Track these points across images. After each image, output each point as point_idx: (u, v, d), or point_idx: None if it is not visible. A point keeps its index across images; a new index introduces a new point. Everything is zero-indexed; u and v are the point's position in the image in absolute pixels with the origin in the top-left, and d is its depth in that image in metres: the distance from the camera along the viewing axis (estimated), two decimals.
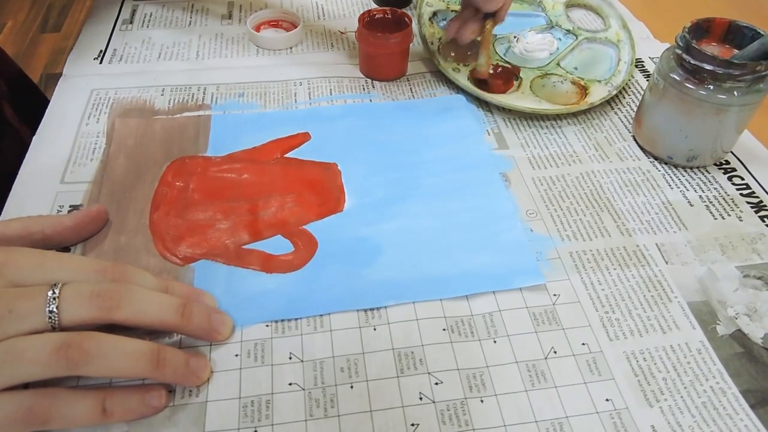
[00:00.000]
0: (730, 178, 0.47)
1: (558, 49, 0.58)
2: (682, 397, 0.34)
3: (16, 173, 0.45)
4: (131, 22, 0.63)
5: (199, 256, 0.40)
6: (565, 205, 0.45)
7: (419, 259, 0.40)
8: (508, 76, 0.55)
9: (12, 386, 0.30)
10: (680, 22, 0.46)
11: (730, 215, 0.44)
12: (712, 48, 0.46)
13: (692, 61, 0.43)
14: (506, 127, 0.51)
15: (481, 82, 0.54)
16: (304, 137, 0.49)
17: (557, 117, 0.52)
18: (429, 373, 0.35)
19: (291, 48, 0.60)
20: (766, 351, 0.36)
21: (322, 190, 0.45)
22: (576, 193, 0.46)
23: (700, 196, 0.46)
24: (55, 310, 0.31)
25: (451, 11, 0.62)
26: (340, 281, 0.39)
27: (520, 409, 0.33)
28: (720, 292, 0.39)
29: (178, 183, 0.45)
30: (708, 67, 0.42)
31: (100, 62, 0.57)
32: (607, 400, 0.34)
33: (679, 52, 0.44)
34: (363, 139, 0.49)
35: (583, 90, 0.53)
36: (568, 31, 0.60)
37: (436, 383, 0.34)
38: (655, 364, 0.36)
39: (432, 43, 0.57)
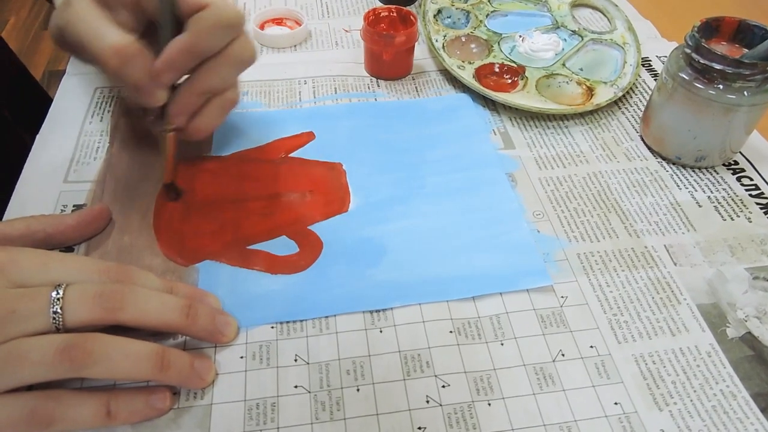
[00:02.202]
0: (738, 179, 0.47)
1: (563, 49, 0.57)
2: (691, 400, 0.34)
3: (18, 173, 0.45)
4: None
5: (203, 256, 0.40)
6: (572, 206, 0.44)
7: (425, 259, 0.40)
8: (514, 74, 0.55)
9: (15, 388, 0.30)
10: (687, 21, 0.45)
11: (739, 216, 0.44)
12: (721, 47, 0.45)
13: (702, 61, 0.43)
14: (512, 127, 0.51)
15: (169, 189, 0.43)
16: (308, 137, 0.49)
17: (564, 117, 0.52)
18: (436, 376, 0.34)
19: (295, 46, 0.60)
20: None
21: (327, 190, 0.45)
22: (583, 194, 0.45)
23: (709, 197, 0.45)
24: (58, 311, 0.30)
25: (456, 8, 0.61)
26: (345, 282, 0.39)
27: (528, 413, 0.33)
28: (729, 294, 0.39)
29: (181, 183, 0.44)
30: (718, 66, 0.42)
31: None
32: (615, 403, 0.34)
33: (689, 51, 0.44)
34: (368, 139, 0.49)
35: (589, 91, 0.53)
36: (574, 32, 0.60)
37: (443, 386, 0.34)
38: (665, 367, 0.35)
39: (437, 41, 0.57)
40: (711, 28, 0.46)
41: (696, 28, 0.44)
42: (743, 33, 0.45)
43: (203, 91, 0.40)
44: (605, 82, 0.54)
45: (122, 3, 0.38)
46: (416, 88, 0.55)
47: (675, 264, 0.41)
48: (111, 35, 0.36)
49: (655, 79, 0.56)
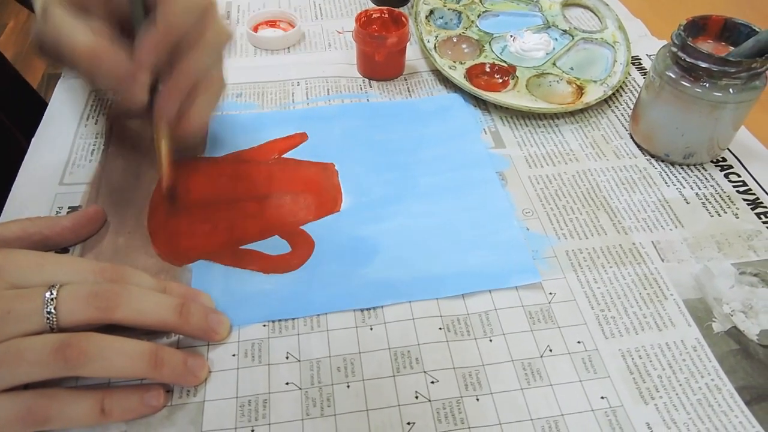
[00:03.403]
0: (726, 175, 0.47)
1: (554, 49, 0.58)
2: (677, 394, 0.34)
3: (14, 176, 0.45)
4: None
5: (197, 256, 0.40)
6: (562, 204, 0.45)
7: (416, 258, 0.41)
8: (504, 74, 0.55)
9: (11, 387, 0.30)
10: (678, 19, 0.46)
11: (726, 212, 0.44)
12: (707, 45, 0.46)
13: (688, 59, 0.43)
14: (503, 126, 0.51)
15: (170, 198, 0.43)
16: (301, 138, 0.49)
17: (554, 115, 0.52)
18: (425, 372, 0.35)
19: (289, 48, 0.60)
20: (762, 348, 0.36)
21: (320, 190, 0.45)
22: (572, 192, 0.46)
23: (697, 194, 0.46)
24: (53, 311, 0.31)
25: (448, 9, 0.62)
26: (336, 281, 0.39)
27: (515, 408, 0.34)
28: (716, 289, 0.39)
29: (175, 184, 0.45)
30: (703, 64, 0.43)
31: None
32: (602, 397, 0.34)
33: (675, 50, 0.44)
34: (360, 139, 0.49)
35: (579, 90, 0.54)
36: (565, 31, 0.60)
37: (432, 382, 0.35)
38: (651, 361, 0.36)
39: (428, 42, 0.58)
40: (698, 27, 0.46)
41: (682, 27, 0.45)
42: (729, 31, 0.46)
43: (186, 81, 0.39)
44: (595, 81, 0.54)
45: (95, 6, 0.38)
46: (408, 88, 0.55)
47: (662, 260, 0.41)
48: (81, 37, 0.36)
49: (644, 78, 0.56)
